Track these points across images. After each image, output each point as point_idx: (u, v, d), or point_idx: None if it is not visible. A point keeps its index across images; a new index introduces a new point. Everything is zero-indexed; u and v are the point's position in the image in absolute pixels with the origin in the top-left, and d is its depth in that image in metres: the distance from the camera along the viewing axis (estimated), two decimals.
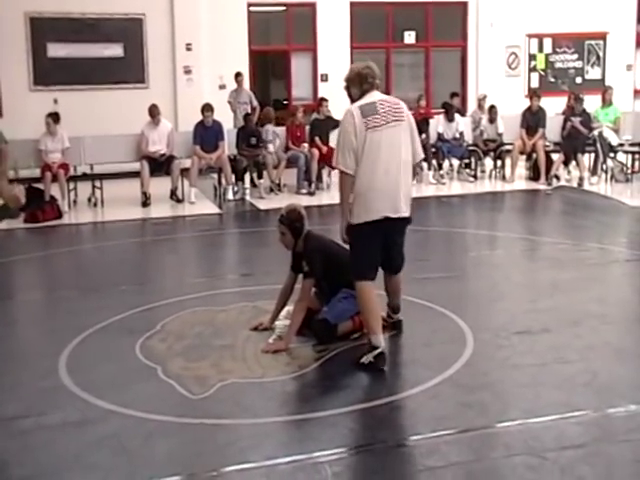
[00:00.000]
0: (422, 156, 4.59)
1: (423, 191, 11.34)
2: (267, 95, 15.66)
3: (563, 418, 3.68)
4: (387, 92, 14.83)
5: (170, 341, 4.86)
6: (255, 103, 12.32)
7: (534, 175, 11.84)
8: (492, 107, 12.08)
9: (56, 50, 12.81)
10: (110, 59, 13.06)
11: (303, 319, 4.71)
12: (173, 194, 10.54)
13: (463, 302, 5.72)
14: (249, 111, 11.94)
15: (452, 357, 4.45)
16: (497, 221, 9.53)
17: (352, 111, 4.34)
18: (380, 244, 4.48)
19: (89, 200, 10.53)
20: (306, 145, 11.27)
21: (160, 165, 10.55)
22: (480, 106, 13.06)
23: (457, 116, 12.07)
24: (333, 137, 11.51)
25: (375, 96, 4.40)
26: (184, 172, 10.65)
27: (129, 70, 13.16)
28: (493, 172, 12.20)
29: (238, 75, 12.43)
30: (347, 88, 4.49)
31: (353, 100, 4.45)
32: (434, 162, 11.90)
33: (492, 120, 12.04)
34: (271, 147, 10.98)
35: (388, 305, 4.95)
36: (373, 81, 4.41)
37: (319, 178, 11.32)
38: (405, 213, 4.43)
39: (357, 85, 4.40)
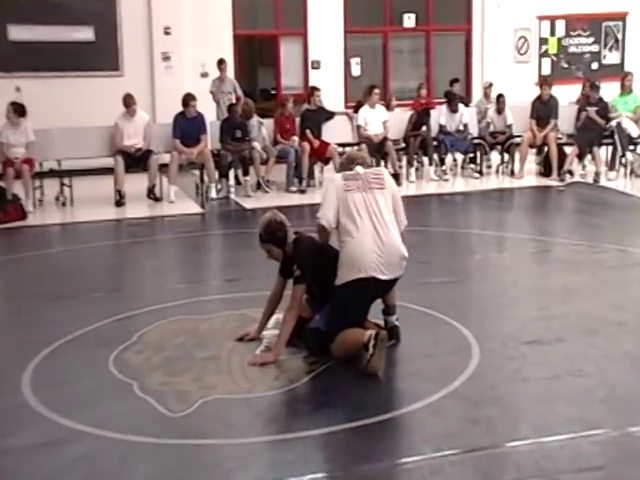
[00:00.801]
0: (405, 223, 4.90)
1: (424, 188, 11.35)
2: (253, 84, 15.66)
3: (579, 437, 3.68)
4: (384, 81, 14.91)
5: (148, 353, 4.85)
6: (240, 92, 12.31)
7: (545, 170, 11.87)
8: (500, 96, 12.09)
9: (19, 33, 12.75)
10: (80, 43, 13.01)
11: (293, 328, 4.70)
12: (150, 192, 10.51)
13: (468, 309, 5.73)
14: (234, 101, 11.93)
15: (456, 369, 4.45)
16: (505, 221, 9.55)
17: (333, 176, 4.93)
18: (366, 307, 4.75)
19: (57, 199, 10.50)
20: (296, 138, 11.27)
21: (136, 161, 10.52)
22: (486, 95, 13.09)
23: (461, 106, 12.09)
24: (326, 130, 11.53)
25: (358, 168, 4.88)
26: (163, 168, 10.63)
27: (101, 56, 13.11)
28: (500, 167, 12.23)
29: (221, 62, 12.41)
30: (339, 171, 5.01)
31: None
32: (436, 157, 11.91)
33: (500, 110, 12.07)
34: (257, 145, 10.97)
35: (383, 311, 4.98)
36: (363, 160, 4.99)
37: (310, 174, 11.32)
38: (397, 274, 4.71)
39: (346, 166, 4.93)
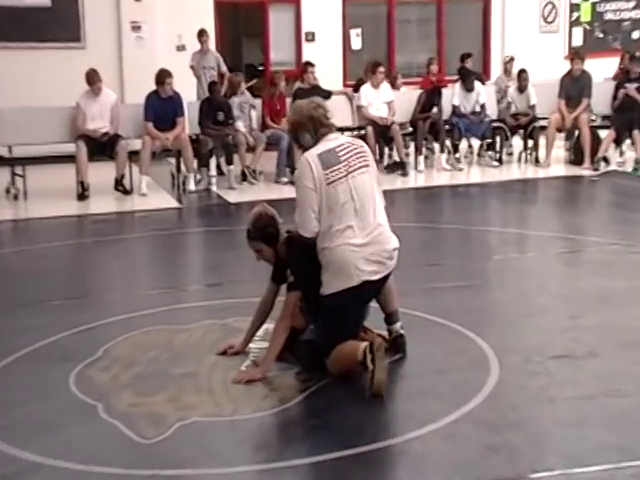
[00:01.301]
0: (384, 204, 4.82)
1: (435, 179, 11.37)
2: (238, 59, 15.67)
3: (615, 468, 3.66)
4: (389, 56, 14.92)
5: (115, 370, 4.84)
6: (224, 68, 12.31)
7: (576, 158, 11.90)
8: (522, 72, 12.11)
9: None
10: (34, 10, 12.97)
11: (285, 341, 4.70)
12: (119, 184, 10.52)
13: (485, 318, 5.73)
14: (216, 78, 11.94)
15: (472, 387, 4.45)
16: (529, 216, 9.56)
17: (309, 161, 4.57)
18: (361, 313, 4.73)
19: (7, 192, 10.50)
20: None
21: (101, 147, 10.52)
22: (507, 71, 13.12)
23: (477, 84, 12.12)
24: None
25: (333, 140, 4.68)
26: (133, 156, 10.63)
27: (60, 24, 13.10)
28: (523, 154, 12.26)
29: (202, 34, 12.43)
30: (294, 134, 4.71)
31: (304, 148, 4.69)
32: (448, 143, 11.94)
33: (522, 89, 12.09)
34: (241, 125, 10.96)
35: (385, 320, 4.98)
36: (330, 123, 4.71)
37: None
38: (390, 269, 4.67)
39: (311, 130, 4.66)
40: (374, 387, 4.33)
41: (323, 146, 4.65)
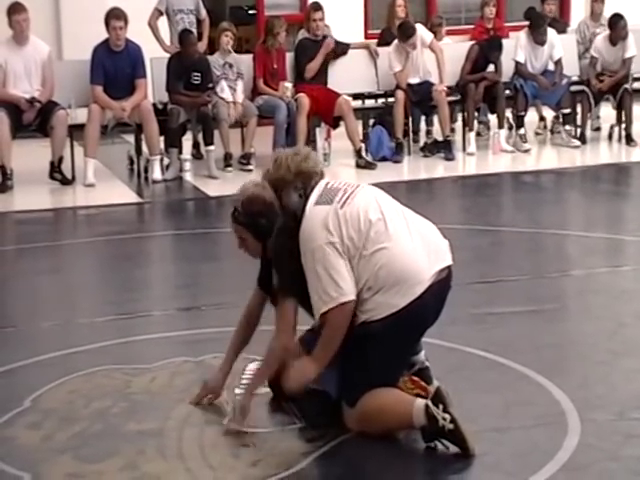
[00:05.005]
0: None
1: (491, 164, 11.36)
2: (220, 1, 15.70)
3: None
4: None
5: (48, 427, 4.84)
6: (203, 14, 12.21)
7: None
8: (617, 18, 11.88)
9: None
10: None
11: (281, 381, 4.71)
12: (55, 170, 10.54)
13: (562, 357, 5.72)
14: (192, 27, 11.82)
15: (543, 453, 4.42)
16: (622, 215, 9.55)
17: (312, 213, 4.72)
18: (417, 343, 4.85)
19: None
20: (289, 86, 11.27)
21: (29, 119, 10.53)
22: (593, 13, 12.90)
23: (551, 33, 12.04)
24: (335, 71, 11.47)
25: (321, 182, 4.90)
26: (75, 132, 10.65)
27: None
28: (615, 129, 12.21)
29: None
30: (278, 198, 4.83)
31: (293, 212, 4.80)
32: (509, 114, 11.90)
33: (615, 40, 11.93)
34: (226, 91, 10.96)
35: None
36: (322, 170, 4.96)
37: (310, 141, 11.32)
38: (449, 260, 4.79)
39: (299, 189, 4.83)
40: (469, 450, 4.40)
41: (316, 193, 4.78)
